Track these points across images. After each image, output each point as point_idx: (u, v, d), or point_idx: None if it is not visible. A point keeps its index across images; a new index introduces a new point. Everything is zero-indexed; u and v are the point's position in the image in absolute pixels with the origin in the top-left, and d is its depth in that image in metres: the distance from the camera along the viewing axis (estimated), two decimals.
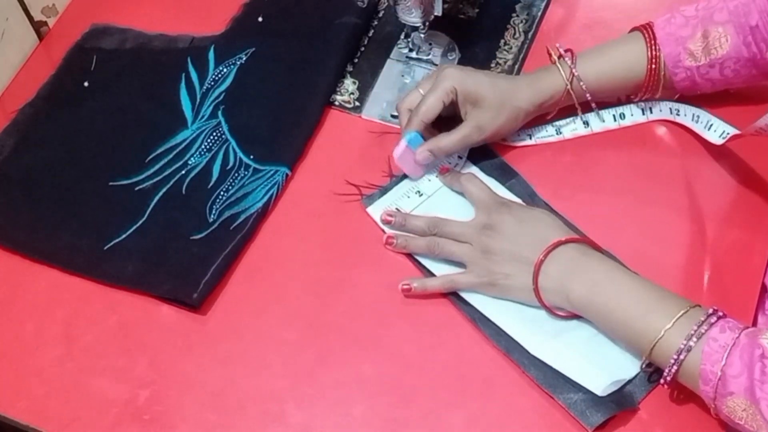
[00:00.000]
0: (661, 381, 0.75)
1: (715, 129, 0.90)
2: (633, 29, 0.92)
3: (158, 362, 0.83)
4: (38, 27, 1.06)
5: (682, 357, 0.73)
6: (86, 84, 1.01)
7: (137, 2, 1.08)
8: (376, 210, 0.90)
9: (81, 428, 0.80)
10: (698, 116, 0.92)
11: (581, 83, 0.90)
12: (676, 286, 0.83)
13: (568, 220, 0.87)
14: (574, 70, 0.89)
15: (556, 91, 0.90)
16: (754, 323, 0.85)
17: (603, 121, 0.94)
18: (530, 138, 0.94)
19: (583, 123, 0.94)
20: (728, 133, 0.88)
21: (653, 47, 0.89)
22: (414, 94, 0.90)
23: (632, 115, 0.94)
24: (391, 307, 0.85)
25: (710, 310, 0.74)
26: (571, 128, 0.94)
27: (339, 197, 0.91)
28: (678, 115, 0.93)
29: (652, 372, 0.78)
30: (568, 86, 0.90)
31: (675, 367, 0.73)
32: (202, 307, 0.85)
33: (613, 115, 0.94)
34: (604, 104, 0.94)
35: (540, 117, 0.93)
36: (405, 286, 0.84)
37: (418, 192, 0.91)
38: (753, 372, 0.69)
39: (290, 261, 0.88)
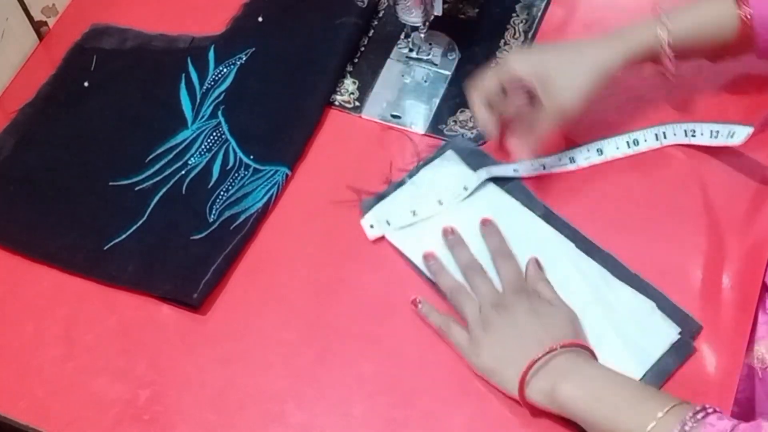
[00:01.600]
0: None
1: (738, 134, 0.89)
2: None
3: (158, 362, 0.83)
4: (38, 27, 1.06)
5: None
6: (86, 84, 1.01)
7: (137, 2, 1.08)
8: (370, 219, 0.89)
9: (81, 428, 0.80)
10: (717, 131, 0.90)
11: (670, 40, 0.85)
12: (676, 286, 0.83)
13: (569, 224, 0.87)
14: (668, 25, 0.85)
15: (646, 48, 0.86)
16: (755, 322, 0.85)
17: (617, 149, 0.92)
18: (544, 168, 0.91)
19: (597, 151, 0.92)
20: (748, 133, 0.88)
21: (745, 5, 0.85)
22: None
23: (645, 140, 0.92)
24: (391, 307, 0.85)
25: (698, 407, 0.69)
26: (585, 156, 0.92)
27: (338, 197, 0.91)
28: (694, 136, 0.91)
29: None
30: (664, 41, 0.85)
31: None
32: (202, 307, 0.85)
33: (627, 142, 0.92)
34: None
35: (554, 146, 0.91)
36: (417, 300, 0.84)
37: (413, 212, 0.89)
38: None
39: (290, 261, 0.88)
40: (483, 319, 0.80)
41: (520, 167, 0.91)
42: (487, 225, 0.87)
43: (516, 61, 0.87)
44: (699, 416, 0.68)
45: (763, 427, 0.67)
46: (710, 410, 0.69)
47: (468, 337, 0.80)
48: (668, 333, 0.80)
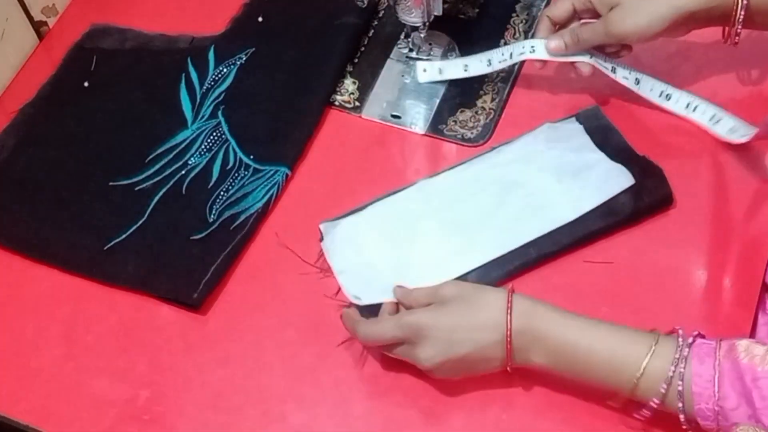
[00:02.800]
0: (643, 413, 0.73)
1: (740, 132, 0.89)
2: None
3: (158, 362, 0.83)
4: (38, 27, 1.06)
5: (676, 387, 0.70)
6: (86, 84, 1.01)
7: (137, 2, 1.08)
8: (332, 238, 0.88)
9: (81, 428, 0.80)
10: (719, 119, 0.90)
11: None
12: (677, 285, 0.84)
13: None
14: None
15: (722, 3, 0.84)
16: (755, 322, 0.84)
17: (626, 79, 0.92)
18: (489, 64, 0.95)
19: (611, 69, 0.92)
20: (750, 134, 0.88)
21: None
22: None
23: (651, 89, 0.92)
24: None
25: (680, 338, 0.71)
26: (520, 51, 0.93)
27: (338, 196, 0.91)
28: (694, 111, 0.91)
29: None
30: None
31: (671, 399, 0.71)
32: (202, 307, 0.85)
33: (625, 77, 0.92)
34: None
35: None
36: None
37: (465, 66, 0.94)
38: (752, 401, 0.67)
39: (290, 261, 0.88)
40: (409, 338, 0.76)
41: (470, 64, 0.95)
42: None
43: None
44: (685, 352, 0.70)
45: (737, 345, 0.69)
46: (695, 333, 0.72)
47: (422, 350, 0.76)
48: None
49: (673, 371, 0.70)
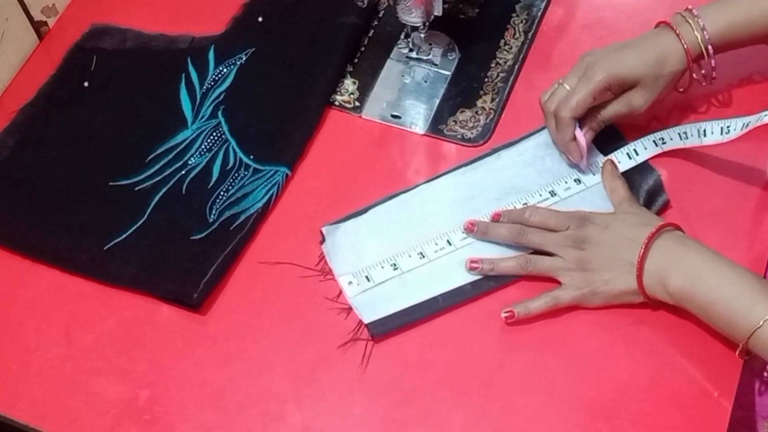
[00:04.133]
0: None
1: (734, 126, 0.88)
2: None
3: (158, 362, 0.83)
4: (38, 27, 1.06)
5: None
6: (86, 84, 1.01)
7: (137, 2, 1.08)
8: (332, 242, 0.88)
9: (81, 428, 0.80)
10: (728, 126, 0.89)
11: (706, 35, 0.86)
12: None
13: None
14: (701, 23, 0.86)
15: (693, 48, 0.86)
16: None
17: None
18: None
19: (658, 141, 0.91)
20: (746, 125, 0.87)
21: None
22: (560, 91, 0.88)
23: (672, 139, 0.91)
24: None
25: None
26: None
27: (338, 196, 0.91)
28: (728, 133, 0.89)
29: None
30: (702, 41, 0.85)
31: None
32: (202, 307, 0.85)
33: (654, 141, 0.91)
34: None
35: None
36: (507, 314, 0.82)
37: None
38: None
39: (290, 261, 0.88)
40: (573, 262, 0.82)
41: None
42: (499, 215, 0.87)
43: (602, 71, 0.86)
44: None
45: None
46: None
47: (575, 286, 0.82)
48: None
49: None
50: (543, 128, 0.93)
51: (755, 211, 0.88)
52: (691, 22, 0.86)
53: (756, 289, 0.76)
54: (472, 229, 0.86)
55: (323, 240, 0.87)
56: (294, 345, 0.83)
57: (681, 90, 0.91)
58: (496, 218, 0.87)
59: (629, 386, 0.79)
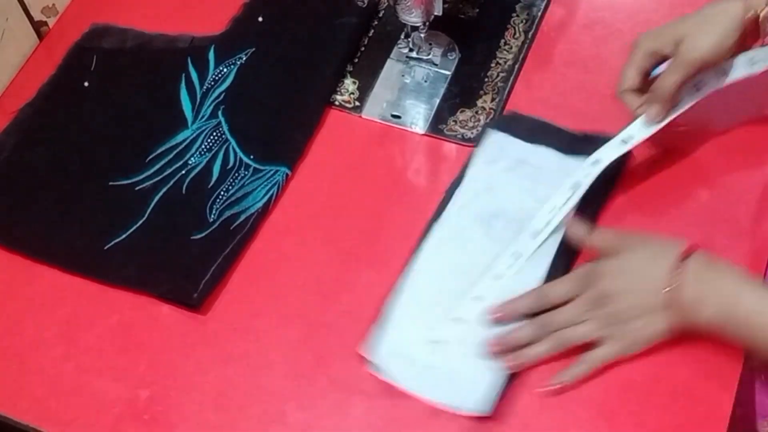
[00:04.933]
0: None
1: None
2: None
3: (158, 362, 0.83)
4: (38, 27, 1.06)
5: None
6: (86, 84, 1.01)
7: (137, 2, 1.08)
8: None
9: (81, 428, 0.80)
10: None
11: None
12: None
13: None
14: None
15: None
16: None
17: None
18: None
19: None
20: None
21: None
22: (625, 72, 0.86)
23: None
24: None
25: None
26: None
27: (338, 197, 0.91)
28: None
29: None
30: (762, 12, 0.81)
31: None
32: (202, 307, 0.85)
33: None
34: None
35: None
36: (557, 386, 0.79)
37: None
38: None
39: (290, 261, 0.88)
40: (604, 320, 0.78)
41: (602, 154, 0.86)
42: (506, 307, 0.82)
43: (650, 39, 0.85)
44: None
45: None
46: None
47: (615, 340, 0.78)
48: None
49: None
50: (473, 154, 0.91)
51: (755, 211, 0.88)
52: None
53: None
54: (499, 349, 0.80)
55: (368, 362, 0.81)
56: (294, 345, 0.83)
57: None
58: (502, 318, 0.81)
59: (629, 386, 0.79)
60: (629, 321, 0.78)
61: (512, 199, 0.88)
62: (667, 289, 0.76)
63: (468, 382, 0.79)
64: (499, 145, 0.92)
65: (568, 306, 0.80)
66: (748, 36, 0.84)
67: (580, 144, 0.90)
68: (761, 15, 0.82)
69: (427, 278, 0.85)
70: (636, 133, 0.86)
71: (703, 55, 0.83)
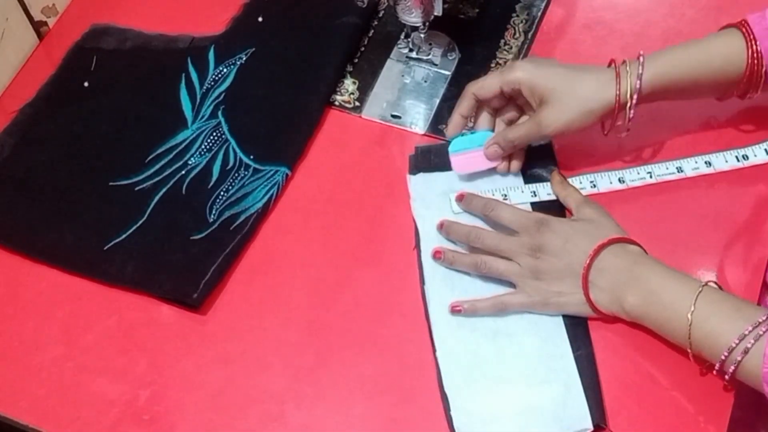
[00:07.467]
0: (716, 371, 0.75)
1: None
2: (726, 26, 0.86)
3: (158, 362, 0.83)
4: (38, 27, 1.06)
5: (738, 357, 0.72)
6: (86, 84, 1.01)
7: (137, 2, 1.08)
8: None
9: (81, 428, 0.80)
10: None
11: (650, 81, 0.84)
12: None
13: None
14: (640, 71, 0.83)
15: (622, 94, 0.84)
16: None
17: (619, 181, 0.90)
18: (621, 183, 0.90)
19: (676, 169, 0.90)
20: None
21: (752, 42, 0.83)
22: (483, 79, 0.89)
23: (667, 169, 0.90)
24: (391, 307, 0.85)
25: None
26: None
27: (338, 196, 0.91)
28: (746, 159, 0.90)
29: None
30: (635, 86, 0.83)
31: (732, 366, 0.73)
32: (202, 307, 0.85)
33: (649, 173, 0.90)
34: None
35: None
36: (456, 307, 0.83)
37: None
38: None
39: (290, 261, 0.88)
40: (527, 269, 0.81)
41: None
42: (464, 197, 0.88)
43: (521, 70, 0.86)
44: (761, 330, 0.72)
45: None
46: None
47: (526, 294, 0.82)
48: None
49: (749, 331, 0.72)
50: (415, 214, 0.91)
51: (755, 211, 0.89)
52: (631, 69, 0.84)
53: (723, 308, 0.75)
54: (438, 258, 0.86)
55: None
56: (294, 345, 0.83)
57: (605, 133, 0.88)
58: (460, 198, 0.88)
59: (629, 386, 0.79)
60: (549, 282, 0.81)
61: (476, 221, 0.88)
62: (583, 268, 0.79)
63: (556, 407, 0.78)
64: (425, 186, 0.91)
65: (505, 236, 0.84)
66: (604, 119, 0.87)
67: None
68: (628, 105, 0.84)
69: (457, 348, 0.82)
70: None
71: (557, 130, 0.85)
